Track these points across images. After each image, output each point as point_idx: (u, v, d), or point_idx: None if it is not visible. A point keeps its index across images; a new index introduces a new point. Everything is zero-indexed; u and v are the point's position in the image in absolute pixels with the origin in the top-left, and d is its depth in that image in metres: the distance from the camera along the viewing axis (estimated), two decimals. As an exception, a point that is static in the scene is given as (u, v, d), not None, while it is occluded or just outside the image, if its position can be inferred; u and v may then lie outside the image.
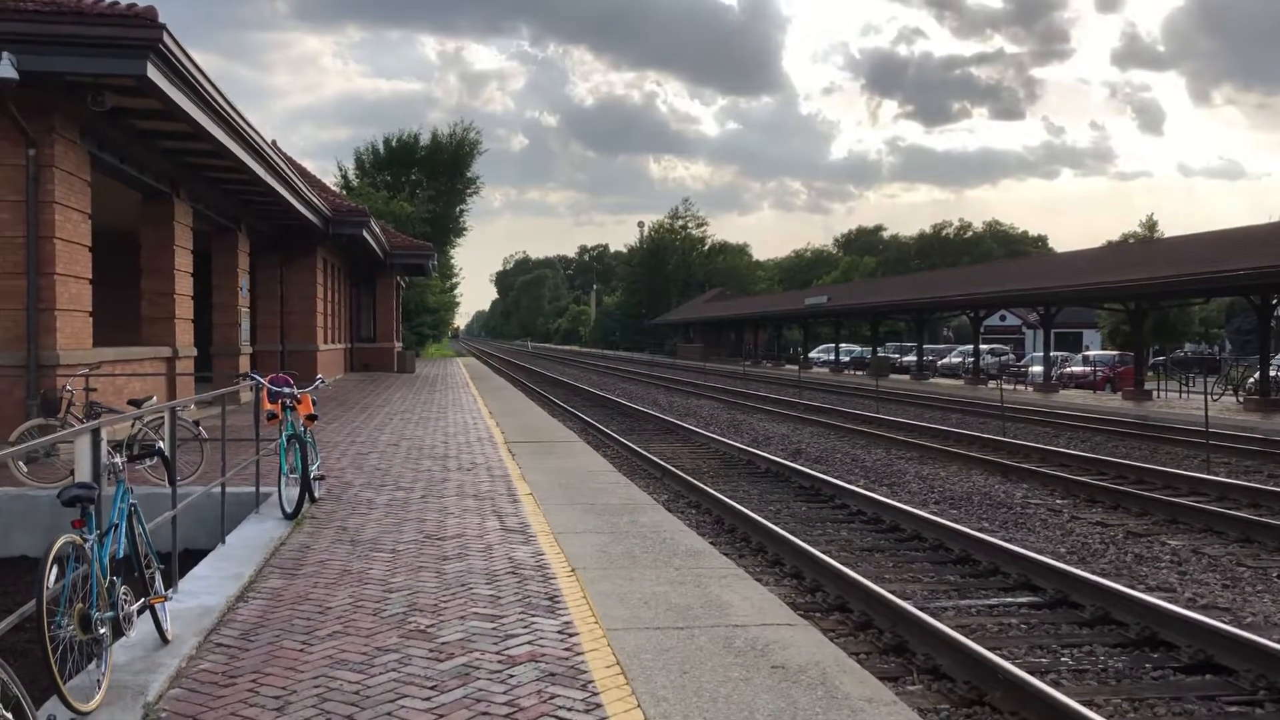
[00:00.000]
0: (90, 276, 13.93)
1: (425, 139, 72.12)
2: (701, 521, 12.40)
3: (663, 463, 16.78)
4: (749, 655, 5.52)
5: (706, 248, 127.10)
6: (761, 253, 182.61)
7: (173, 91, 12.45)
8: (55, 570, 4.47)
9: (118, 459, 5.43)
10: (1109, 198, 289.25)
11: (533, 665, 5.32)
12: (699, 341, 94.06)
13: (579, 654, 5.51)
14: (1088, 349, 59.63)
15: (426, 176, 70.20)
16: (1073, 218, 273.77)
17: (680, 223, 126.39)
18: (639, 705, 4.77)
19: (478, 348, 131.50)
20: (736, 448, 19.33)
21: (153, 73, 11.70)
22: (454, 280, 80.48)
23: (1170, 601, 8.27)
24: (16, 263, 12.47)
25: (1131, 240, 74.79)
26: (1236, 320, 67.80)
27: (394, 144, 71.74)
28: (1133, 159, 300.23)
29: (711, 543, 9.49)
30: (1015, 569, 9.56)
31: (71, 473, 5.37)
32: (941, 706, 6.29)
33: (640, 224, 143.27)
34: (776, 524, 11.51)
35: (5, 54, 11.18)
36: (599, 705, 4.77)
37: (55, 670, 4.33)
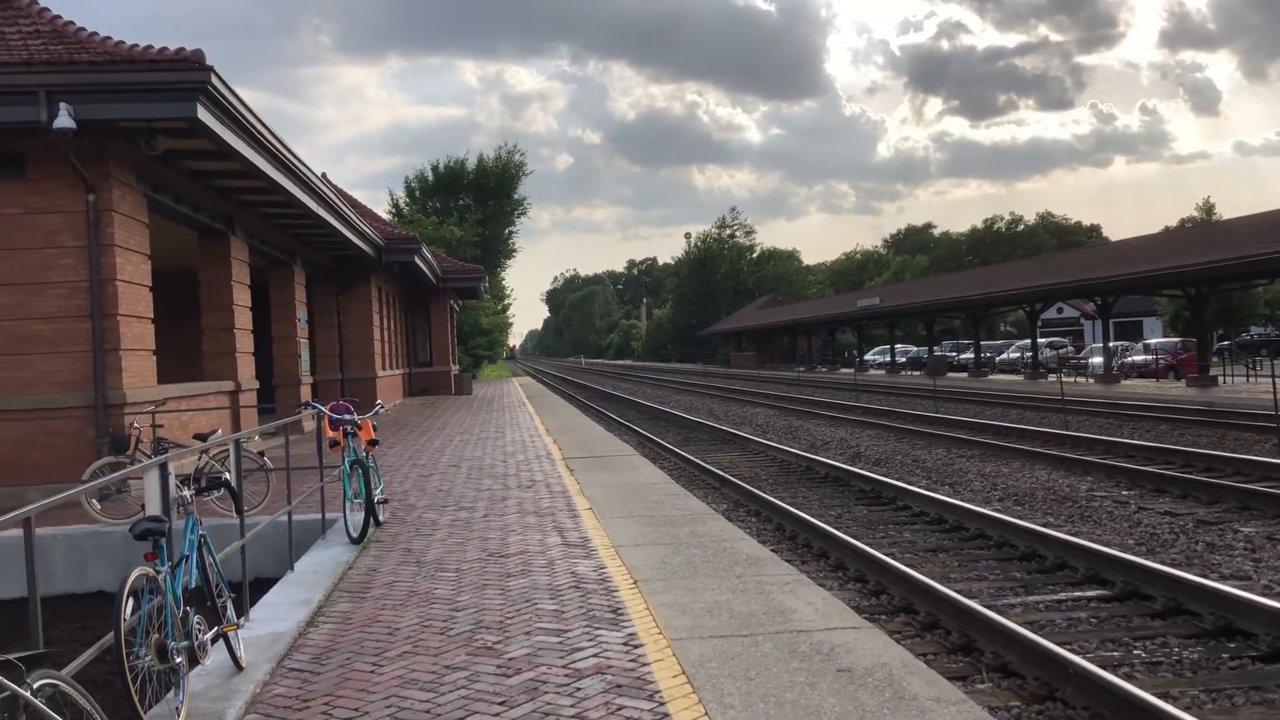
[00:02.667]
0: (152, 315, 14.26)
1: (471, 164, 72.89)
2: (762, 529, 12.37)
3: (720, 472, 16.76)
4: (814, 659, 5.51)
5: (755, 255, 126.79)
6: (811, 257, 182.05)
7: (223, 131, 12.74)
8: (131, 603, 4.60)
9: (186, 492, 5.57)
10: (1164, 183, 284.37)
11: (599, 678, 5.36)
12: (751, 349, 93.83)
13: (644, 665, 5.54)
14: (1148, 337, 58.54)
15: (474, 201, 70.94)
16: (1127, 205, 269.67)
17: (727, 231, 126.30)
18: (706, 713, 4.79)
19: (532, 366, 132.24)
20: (794, 454, 19.26)
21: (203, 114, 11.99)
22: (506, 301, 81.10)
23: (1246, 589, 8.11)
24: (81, 306, 12.81)
25: (1189, 225, 73.44)
26: (1303, 300, 66.18)
27: (442, 170, 72.58)
28: (1187, 142, 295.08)
29: (773, 550, 9.48)
30: (1083, 563, 9.42)
31: (142, 507, 5.51)
32: (1012, 704, 6.23)
33: (687, 235, 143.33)
34: (838, 528, 11.45)
35: (63, 105, 11.53)
36: (667, 715, 4.80)
37: (135, 699, 4.45)
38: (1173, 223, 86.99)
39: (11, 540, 8.98)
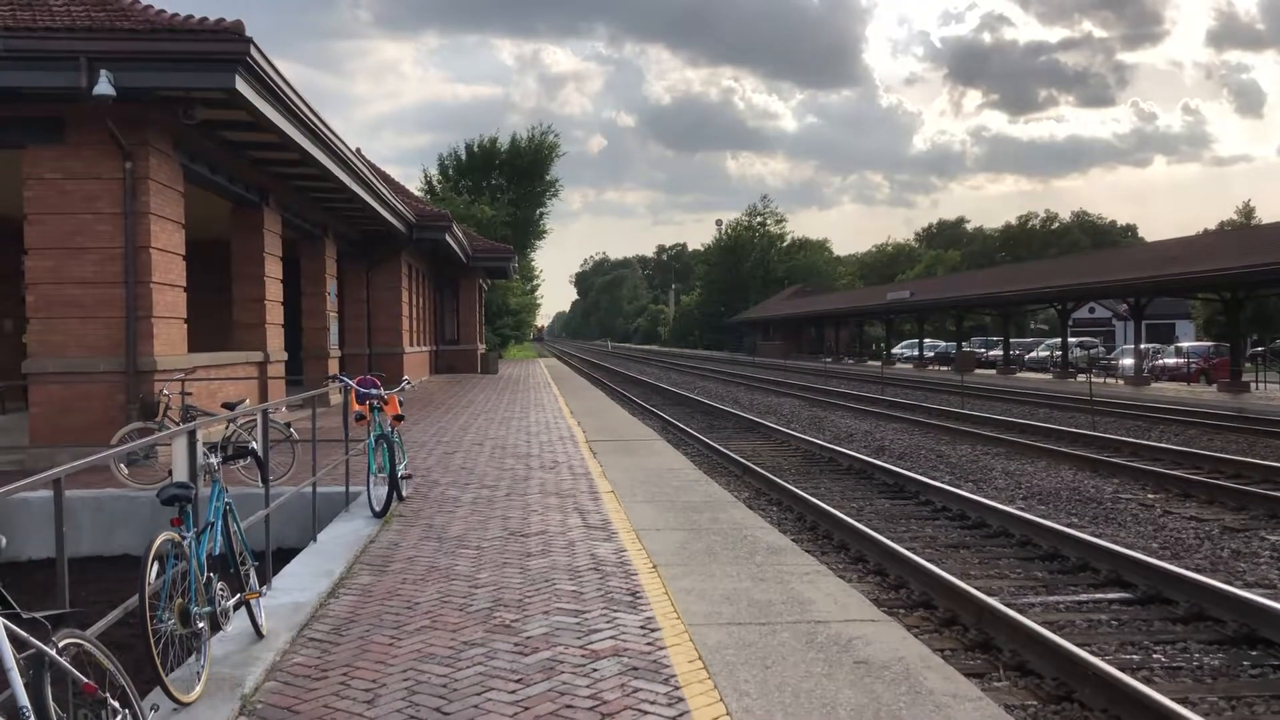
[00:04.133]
0: (185, 284, 14.38)
1: (505, 144, 72.96)
2: (783, 519, 12.36)
3: (743, 460, 16.75)
4: (831, 650, 5.51)
5: (785, 244, 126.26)
6: (842, 248, 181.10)
7: (260, 103, 12.80)
8: (156, 567, 4.65)
9: (213, 460, 5.62)
10: (1204, 184, 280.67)
11: (615, 660, 5.38)
12: (778, 339, 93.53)
13: (661, 649, 5.56)
14: (1180, 340, 57.90)
15: (507, 181, 71.05)
16: (1166, 206, 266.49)
17: (759, 219, 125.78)
18: (721, 699, 4.80)
19: (558, 348, 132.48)
20: (818, 445, 19.22)
21: (241, 85, 12.05)
22: (535, 282, 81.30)
23: (1271, 598, 8.03)
24: (115, 272, 12.93)
25: (1227, 228, 72.52)
26: (1341, 308, 65.22)
27: (475, 149, 72.71)
28: (1230, 143, 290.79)
29: (793, 540, 9.47)
30: (1105, 565, 9.36)
31: (169, 473, 5.57)
32: (1029, 703, 6.21)
33: (718, 222, 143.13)
34: (859, 521, 11.43)
35: (103, 72, 11.62)
36: (681, 699, 4.81)
37: (158, 661, 4.51)
38: (1212, 225, 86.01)
39: (41, 501, 9.14)
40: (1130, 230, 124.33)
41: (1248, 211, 76.45)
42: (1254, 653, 7.13)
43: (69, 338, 12.98)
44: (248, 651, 5.47)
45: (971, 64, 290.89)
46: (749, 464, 16.27)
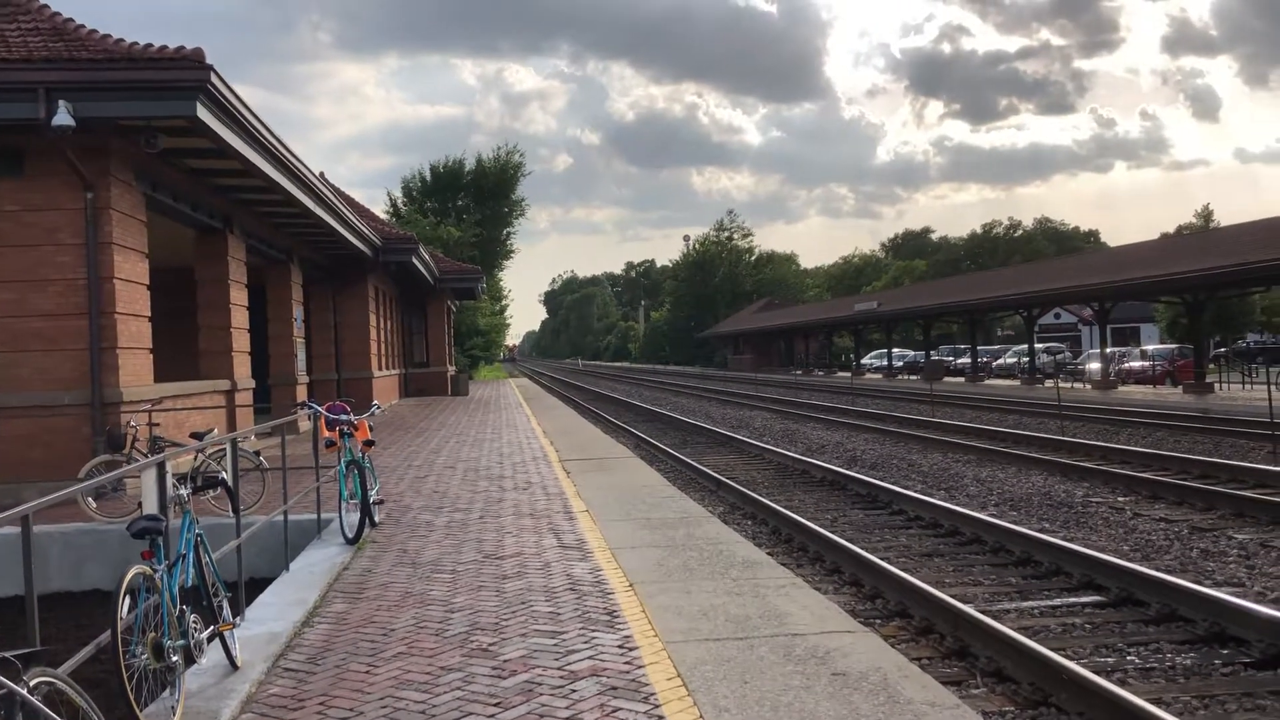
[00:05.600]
0: (149, 314, 14.26)
1: (470, 164, 72.85)
2: (758, 532, 12.39)
3: (717, 475, 16.78)
4: (809, 663, 5.52)
5: (753, 258, 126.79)
6: (810, 260, 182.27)
7: (222, 130, 12.74)
8: (128, 601, 4.60)
9: (183, 491, 5.58)
10: (1164, 189, 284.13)
11: (594, 680, 5.37)
12: (749, 352, 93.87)
13: (640, 667, 5.55)
14: (1145, 343, 58.61)
15: (473, 201, 70.88)
16: (1127, 211, 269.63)
17: (725, 234, 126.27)
18: (701, 716, 4.80)
19: (529, 368, 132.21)
20: (791, 457, 19.28)
21: (203, 113, 12.00)
22: (504, 302, 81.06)
23: (1239, 596, 8.14)
24: (79, 304, 12.81)
25: (1186, 231, 73.54)
26: (1299, 307, 66.24)
27: (440, 170, 72.52)
28: (1188, 148, 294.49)
29: (768, 553, 9.49)
30: (1078, 569, 9.44)
31: (139, 506, 5.52)
32: (1006, 709, 6.24)
33: (686, 237, 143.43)
34: (834, 532, 11.47)
35: (62, 103, 11.53)
36: (662, 717, 4.81)
37: (131, 698, 4.46)
38: (1171, 228, 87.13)
39: (8, 538, 8.99)
40: (1093, 236, 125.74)
41: (1206, 215, 77.59)
42: (1225, 651, 7.20)
43: (33, 371, 12.83)
44: (223, 684, 5.42)
45: (932, 74, 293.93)
46: (723, 479, 16.29)
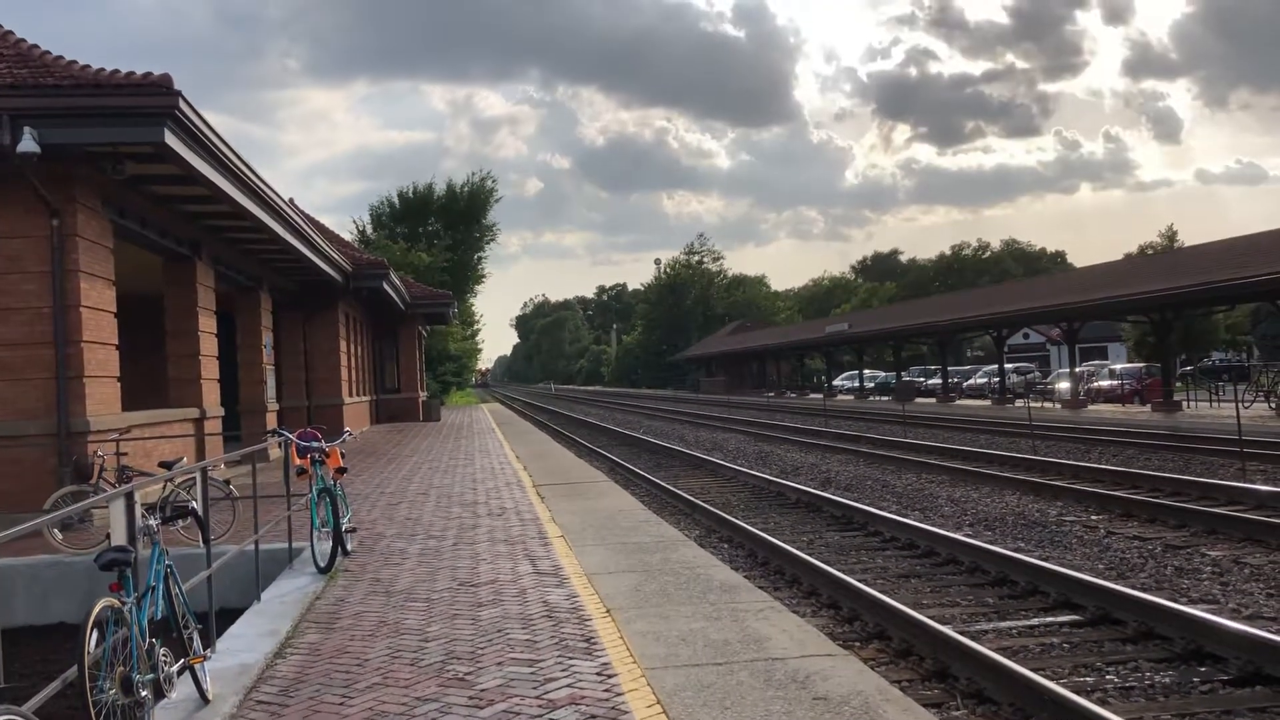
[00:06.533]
0: (116, 342, 14.08)
1: (441, 189, 72.77)
2: (735, 556, 12.33)
3: (692, 498, 16.72)
4: (790, 688, 5.48)
5: (725, 281, 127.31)
6: (781, 283, 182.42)
7: (190, 156, 12.64)
8: (95, 634, 4.49)
9: (152, 521, 5.47)
10: (1129, 209, 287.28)
11: (573, 709, 5.30)
12: (721, 375, 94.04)
13: (619, 694, 5.48)
14: (1112, 362, 59.16)
15: (443, 226, 70.74)
16: (1093, 232, 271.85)
17: (696, 258, 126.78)
18: (682, 743, 4.73)
19: (502, 393, 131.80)
20: (765, 479, 19.26)
21: (170, 139, 11.90)
22: (475, 327, 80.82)
23: (1214, 613, 8.16)
24: (44, 332, 12.64)
25: (1151, 252, 74.46)
26: (1263, 325, 67.20)
27: (410, 196, 72.39)
28: (1151, 169, 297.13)
29: (746, 577, 9.44)
30: (1054, 588, 9.45)
31: (107, 537, 5.41)
32: (988, 731, 6.22)
33: (657, 261, 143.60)
34: (810, 554, 11.43)
35: (27, 129, 11.41)
36: (642, 745, 4.74)
37: (99, 735, 4.34)
38: (1135, 249, 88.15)
39: (-30, 571, 8.82)
40: (1060, 256, 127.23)
41: (1170, 235, 78.53)
42: (1202, 668, 7.21)
43: (-3, 401, 12.63)
44: (194, 718, 5.30)
45: (899, 98, 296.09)
46: (698, 502, 16.24)
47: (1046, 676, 6.64)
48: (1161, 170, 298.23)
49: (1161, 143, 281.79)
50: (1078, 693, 6.28)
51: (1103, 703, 6.42)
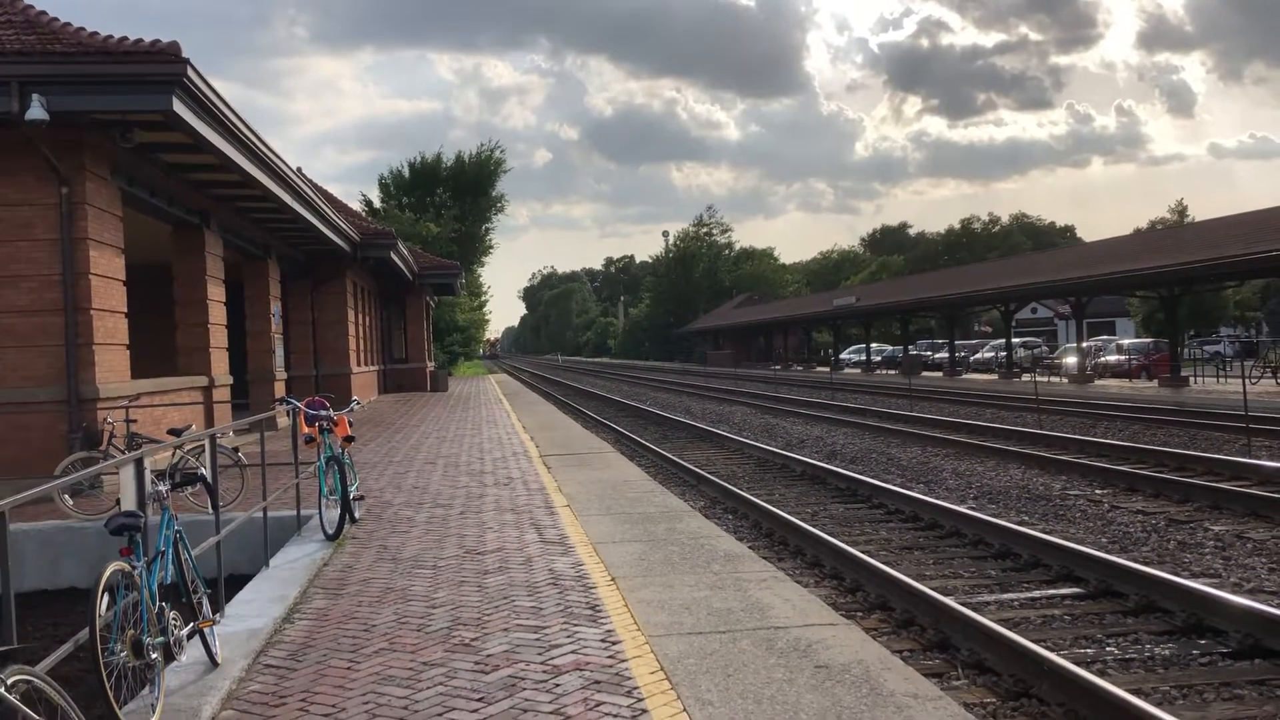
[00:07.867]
0: (126, 310, 14.14)
1: (449, 159, 72.65)
2: (739, 526, 12.40)
3: (697, 469, 16.79)
4: (792, 656, 5.53)
5: (733, 254, 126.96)
6: (789, 256, 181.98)
7: (199, 124, 12.64)
8: (106, 598, 4.56)
9: (162, 487, 5.53)
10: (1140, 184, 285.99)
11: (577, 674, 5.36)
12: (728, 348, 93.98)
13: (623, 661, 5.55)
14: (1120, 337, 59.03)
15: (451, 197, 70.67)
16: (1103, 206, 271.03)
17: (704, 230, 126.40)
18: (685, 709, 4.80)
19: (509, 364, 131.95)
20: (771, 452, 19.31)
21: (179, 107, 11.90)
22: (483, 298, 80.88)
23: (1215, 587, 8.20)
24: (54, 300, 12.69)
25: (1160, 226, 74.09)
26: (1273, 301, 66.98)
27: (418, 166, 72.29)
28: (1163, 143, 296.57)
29: (750, 547, 9.50)
30: (1057, 561, 9.50)
31: (117, 503, 5.47)
32: (988, 700, 6.27)
33: (665, 233, 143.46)
34: (815, 526, 11.49)
35: (35, 96, 11.41)
36: (645, 711, 4.81)
37: (111, 696, 4.42)
38: (1145, 223, 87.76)
39: (-18, 536, 8.91)
40: (1069, 231, 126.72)
41: (1180, 210, 78.21)
42: (1202, 642, 7.26)
43: (7, 367, 12.71)
44: (203, 681, 5.38)
45: (910, 70, 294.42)
46: (703, 473, 16.31)
47: (1047, 648, 6.69)
48: (1174, 144, 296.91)
49: (1174, 116, 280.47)
50: (1078, 664, 6.33)
51: (1103, 674, 6.47)
